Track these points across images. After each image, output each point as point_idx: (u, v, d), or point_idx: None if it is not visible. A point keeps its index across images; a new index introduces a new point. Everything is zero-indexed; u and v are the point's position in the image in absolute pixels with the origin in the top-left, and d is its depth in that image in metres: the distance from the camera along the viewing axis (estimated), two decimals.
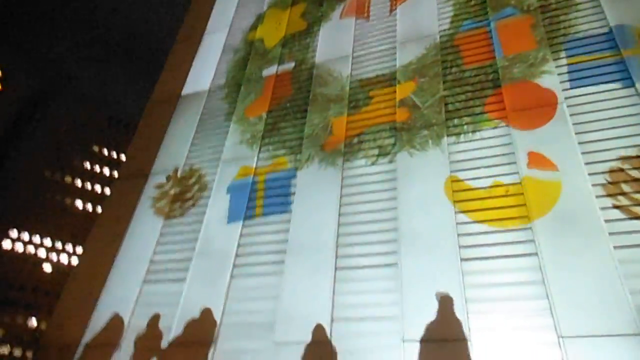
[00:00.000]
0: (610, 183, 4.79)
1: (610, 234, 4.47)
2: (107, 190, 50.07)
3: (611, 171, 4.87)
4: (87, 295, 6.72)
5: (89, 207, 50.54)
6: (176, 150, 8.21)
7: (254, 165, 7.17)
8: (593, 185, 4.84)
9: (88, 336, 6.27)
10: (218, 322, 5.63)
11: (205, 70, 9.55)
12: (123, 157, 52.85)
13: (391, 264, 5.25)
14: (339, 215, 5.95)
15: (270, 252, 6.08)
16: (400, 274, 5.09)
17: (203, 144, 8.14)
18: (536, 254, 4.65)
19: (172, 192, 7.50)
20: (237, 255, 6.24)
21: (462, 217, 5.24)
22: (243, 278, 5.99)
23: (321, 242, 5.79)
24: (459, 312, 4.60)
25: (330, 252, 5.63)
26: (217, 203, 6.96)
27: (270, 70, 8.71)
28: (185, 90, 9.35)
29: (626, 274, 4.19)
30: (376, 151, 6.43)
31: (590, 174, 4.92)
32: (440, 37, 7.41)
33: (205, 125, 8.45)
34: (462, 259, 4.92)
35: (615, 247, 4.37)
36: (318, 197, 6.27)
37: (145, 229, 7.16)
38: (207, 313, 5.76)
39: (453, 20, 7.57)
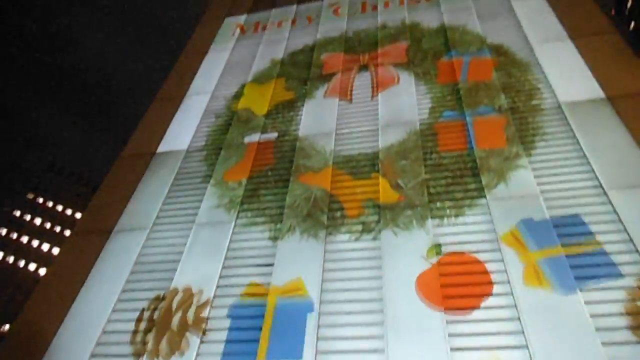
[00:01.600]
0: None
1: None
2: (44, 246, 45.92)
3: None
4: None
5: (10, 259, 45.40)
6: (146, 208, 7.79)
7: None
8: None
9: None
10: None
11: (184, 130, 9.47)
12: (68, 211, 49.28)
13: (377, 350, 5.01)
14: (321, 291, 5.73)
15: (244, 329, 5.65)
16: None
17: (176, 204, 7.80)
18: (526, 346, 4.63)
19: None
20: None
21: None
22: None
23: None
24: None
25: (310, 334, 5.31)
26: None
27: (253, 138, 8.78)
28: (161, 148, 9.15)
29: None
30: (360, 227, 6.42)
31: None
32: (420, 124, 7.87)
33: (180, 185, 8.17)
34: (451, 349, 4.79)
35: None
36: (299, 270, 6.05)
37: (103, 293, 6.50)
38: None
39: (431, 112, 8.13)
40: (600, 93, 7.09)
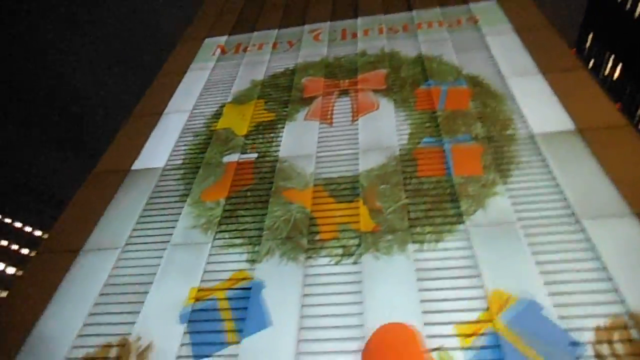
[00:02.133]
0: None
1: None
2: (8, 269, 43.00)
3: None
4: None
5: None
6: (118, 227, 7.50)
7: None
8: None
9: None
10: None
11: (161, 148, 9.26)
12: (36, 232, 46.53)
13: None
14: (301, 317, 5.59)
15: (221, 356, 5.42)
16: None
17: (150, 223, 7.54)
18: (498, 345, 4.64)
19: None
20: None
21: (432, 329, 5.17)
22: None
23: (279, 348, 5.30)
24: None
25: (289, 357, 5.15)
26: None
27: (232, 157, 8.67)
28: (137, 165, 8.89)
29: None
30: (340, 250, 6.37)
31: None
32: (400, 150, 7.99)
33: (155, 204, 7.93)
34: None
35: None
36: (278, 294, 5.91)
37: (69, 316, 6.13)
38: None
39: (410, 137, 8.28)
40: (571, 125, 7.43)
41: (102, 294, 6.44)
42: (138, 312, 6.05)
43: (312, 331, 5.41)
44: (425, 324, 5.19)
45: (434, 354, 4.86)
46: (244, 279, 6.20)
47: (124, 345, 5.64)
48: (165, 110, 10.55)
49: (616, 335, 4.70)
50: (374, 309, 5.45)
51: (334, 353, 5.16)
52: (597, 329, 4.80)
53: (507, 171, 7.02)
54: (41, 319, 6.17)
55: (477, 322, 5.13)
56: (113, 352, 5.62)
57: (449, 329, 5.14)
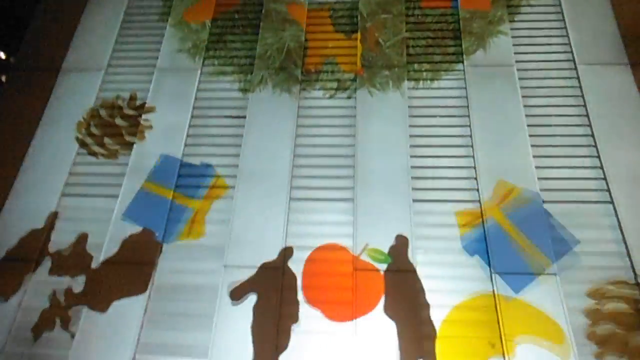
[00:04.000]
0: None
1: None
2: None
3: None
4: None
5: None
6: (96, 47, 7.00)
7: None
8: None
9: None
10: (160, 242, 5.35)
11: None
12: None
13: (346, 199, 5.43)
14: (295, 145, 5.85)
15: (221, 176, 5.79)
16: (355, 208, 5.31)
17: (131, 44, 7.05)
18: (478, 200, 5.24)
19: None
20: (179, 176, 5.82)
21: (416, 162, 5.57)
22: None
23: (275, 170, 5.68)
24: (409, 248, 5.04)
25: (284, 182, 5.58)
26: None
27: None
28: None
29: None
30: (335, 84, 6.30)
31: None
32: None
33: (132, 22, 7.26)
34: (413, 200, 5.31)
35: None
36: (272, 123, 6.03)
37: (64, 133, 6.20)
38: (147, 233, 5.41)
39: None
40: None
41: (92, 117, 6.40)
42: (134, 135, 6.14)
43: (305, 158, 5.74)
44: (411, 156, 5.57)
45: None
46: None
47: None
48: None
49: None
50: (365, 144, 5.72)
51: (325, 178, 5.59)
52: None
53: (516, 7, 6.60)
54: (34, 139, 6.21)
55: (461, 156, 5.54)
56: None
57: (432, 162, 5.56)
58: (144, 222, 5.47)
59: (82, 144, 6.11)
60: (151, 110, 6.16)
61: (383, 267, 4.93)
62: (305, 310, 4.83)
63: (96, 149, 6.12)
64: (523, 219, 5.06)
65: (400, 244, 4.98)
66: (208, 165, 5.86)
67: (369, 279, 4.89)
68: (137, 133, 6.12)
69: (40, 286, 5.27)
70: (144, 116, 6.20)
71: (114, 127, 6.24)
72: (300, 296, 4.91)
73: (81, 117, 6.28)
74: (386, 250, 4.99)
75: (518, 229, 5.00)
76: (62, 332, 4.98)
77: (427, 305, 4.74)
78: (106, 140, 6.16)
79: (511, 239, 4.96)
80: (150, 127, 6.15)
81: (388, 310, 4.69)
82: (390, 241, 5.03)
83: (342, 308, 4.80)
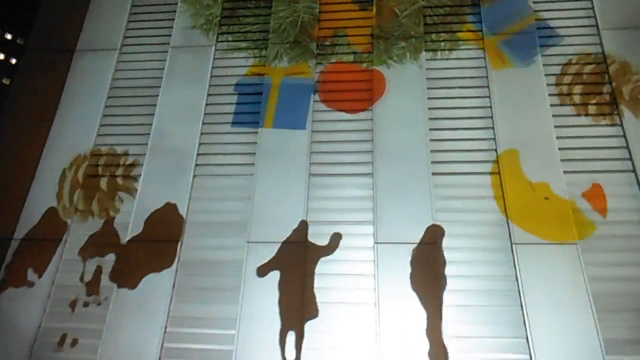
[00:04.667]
0: None
1: None
2: None
3: None
4: (10, 186, 5.89)
5: None
6: (109, 27, 6.96)
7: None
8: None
9: (22, 231, 5.64)
10: (185, 218, 5.47)
11: None
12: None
13: (366, 174, 5.46)
14: (312, 120, 5.84)
15: (238, 154, 5.85)
16: (375, 183, 5.35)
17: (143, 22, 7.00)
18: (498, 172, 5.23)
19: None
20: (198, 154, 5.89)
21: (435, 134, 5.54)
22: (207, 178, 5.74)
23: (293, 147, 5.70)
24: (427, 221, 5.08)
25: (303, 159, 5.61)
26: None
27: None
28: None
29: None
30: (351, 57, 6.22)
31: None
32: None
33: (144, 1, 7.18)
34: (433, 174, 5.32)
35: None
36: (289, 98, 6.01)
37: (83, 114, 6.27)
38: (172, 208, 5.53)
39: None
40: None
41: (109, 97, 6.44)
42: (152, 115, 6.19)
43: (323, 134, 5.75)
44: (430, 128, 5.55)
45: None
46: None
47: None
48: None
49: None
50: (383, 117, 5.69)
51: (344, 153, 5.61)
52: None
53: None
54: (54, 120, 6.29)
55: (481, 128, 5.50)
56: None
57: (454, 133, 5.53)
58: None
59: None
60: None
61: None
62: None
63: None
64: None
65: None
66: None
67: None
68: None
69: (72, 264, 5.46)
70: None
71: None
72: None
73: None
74: None
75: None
76: (95, 307, 5.18)
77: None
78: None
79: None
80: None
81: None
82: (410, 215, 5.07)
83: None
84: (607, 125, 5.36)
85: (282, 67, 6.15)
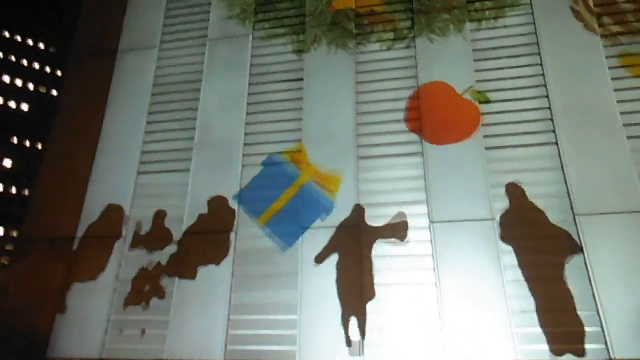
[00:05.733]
0: None
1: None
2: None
3: None
4: (69, 187, 6.13)
5: None
6: (147, 25, 7.07)
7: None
8: None
9: (82, 229, 5.87)
10: (236, 210, 5.53)
11: None
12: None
13: (415, 153, 5.35)
14: (356, 102, 5.75)
15: (282, 142, 5.84)
16: (425, 161, 5.23)
17: (180, 17, 7.06)
18: (556, 143, 5.00)
19: None
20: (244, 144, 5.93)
21: (486, 107, 5.35)
22: (257, 167, 5.78)
23: (339, 131, 5.64)
24: (483, 195, 4.94)
25: (349, 142, 5.55)
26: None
27: None
28: None
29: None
30: (391, 35, 6.07)
31: None
32: None
33: None
34: (485, 148, 5.15)
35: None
36: (330, 83, 5.94)
37: (130, 113, 6.42)
38: (222, 199, 5.61)
39: None
40: None
41: (154, 94, 6.55)
42: (195, 109, 6.27)
43: (368, 115, 5.66)
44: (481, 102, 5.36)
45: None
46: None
47: None
48: None
49: None
50: (430, 92, 5.54)
51: (390, 134, 5.51)
52: None
53: None
54: (105, 117, 6.47)
55: (534, 97, 5.27)
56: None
57: (503, 106, 5.33)
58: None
59: None
60: None
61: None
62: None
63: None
64: None
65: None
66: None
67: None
68: None
69: (132, 259, 5.64)
70: None
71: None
72: None
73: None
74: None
75: None
76: (158, 300, 5.35)
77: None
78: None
79: None
80: None
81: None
82: (463, 187, 4.95)
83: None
84: None
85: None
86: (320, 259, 5.04)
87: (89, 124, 6.50)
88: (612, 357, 4.07)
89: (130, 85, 6.63)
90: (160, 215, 5.82)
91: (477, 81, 5.49)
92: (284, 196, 5.50)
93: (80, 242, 5.81)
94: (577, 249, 4.49)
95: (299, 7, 6.60)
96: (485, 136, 5.22)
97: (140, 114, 6.39)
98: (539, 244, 4.63)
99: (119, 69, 6.80)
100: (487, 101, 5.31)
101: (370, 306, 4.76)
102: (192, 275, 5.38)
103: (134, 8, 7.33)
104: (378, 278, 4.88)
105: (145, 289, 5.45)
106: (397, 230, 5.00)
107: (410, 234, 5.02)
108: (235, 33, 6.63)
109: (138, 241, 5.73)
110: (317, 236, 5.18)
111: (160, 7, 7.19)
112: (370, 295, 4.81)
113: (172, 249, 5.57)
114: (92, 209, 5.97)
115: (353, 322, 4.69)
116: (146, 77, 6.64)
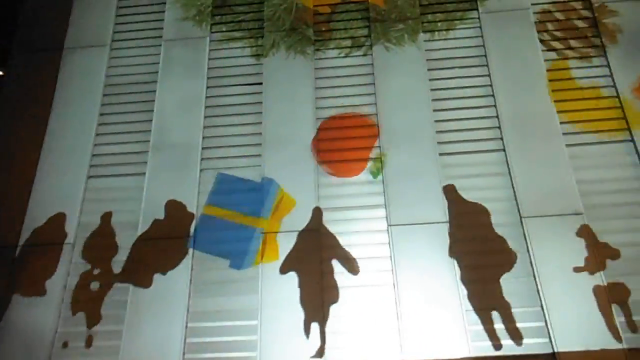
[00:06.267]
0: None
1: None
2: None
3: None
4: (10, 191, 5.73)
5: None
6: (96, 22, 6.75)
7: None
8: None
9: (25, 236, 5.51)
10: (195, 213, 5.42)
11: None
12: None
13: (373, 158, 5.51)
14: (315, 108, 5.83)
15: (243, 145, 5.81)
16: (382, 167, 5.40)
17: (132, 16, 6.81)
18: (503, 149, 5.34)
19: None
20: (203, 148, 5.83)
21: (439, 115, 5.61)
22: (215, 172, 5.69)
23: (298, 135, 5.69)
24: (438, 199, 5.17)
25: (308, 146, 5.61)
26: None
27: None
28: None
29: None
30: (349, 42, 6.20)
31: None
32: None
33: None
34: (439, 154, 5.40)
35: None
36: (289, 88, 5.97)
37: (79, 113, 6.11)
38: (179, 204, 5.47)
39: None
40: None
41: (105, 95, 6.28)
42: (150, 111, 6.08)
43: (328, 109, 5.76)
44: (434, 110, 5.61)
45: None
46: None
47: None
48: None
49: None
50: (386, 101, 5.72)
51: (349, 139, 5.63)
52: None
53: None
54: (51, 117, 6.12)
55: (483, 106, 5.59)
56: None
57: (455, 114, 5.61)
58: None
59: None
60: None
61: None
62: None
63: None
64: None
65: None
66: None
67: None
68: None
69: (79, 267, 5.37)
70: None
71: None
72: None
73: None
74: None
75: None
76: (110, 310, 5.12)
77: None
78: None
79: None
80: None
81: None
82: (422, 196, 5.16)
83: None
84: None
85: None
86: (282, 270, 5.04)
87: (34, 124, 6.11)
88: (555, 350, 4.39)
89: (79, 83, 6.31)
90: (111, 221, 5.58)
91: (432, 90, 5.73)
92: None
93: (22, 250, 5.45)
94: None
95: (257, 11, 6.59)
96: (440, 142, 5.46)
97: (91, 114, 6.10)
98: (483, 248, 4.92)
99: (66, 67, 6.45)
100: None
101: (332, 309, 4.83)
102: (147, 283, 5.20)
103: (81, 3, 6.98)
104: (340, 281, 4.96)
105: (95, 298, 5.20)
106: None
107: (370, 237, 5.15)
108: (191, 35, 6.50)
109: (88, 248, 5.47)
110: (277, 240, 5.19)
111: (111, 4, 6.90)
112: (334, 298, 4.88)
113: (125, 255, 5.35)
114: (37, 215, 5.62)
115: (315, 326, 4.74)
116: (96, 76, 6.34)
